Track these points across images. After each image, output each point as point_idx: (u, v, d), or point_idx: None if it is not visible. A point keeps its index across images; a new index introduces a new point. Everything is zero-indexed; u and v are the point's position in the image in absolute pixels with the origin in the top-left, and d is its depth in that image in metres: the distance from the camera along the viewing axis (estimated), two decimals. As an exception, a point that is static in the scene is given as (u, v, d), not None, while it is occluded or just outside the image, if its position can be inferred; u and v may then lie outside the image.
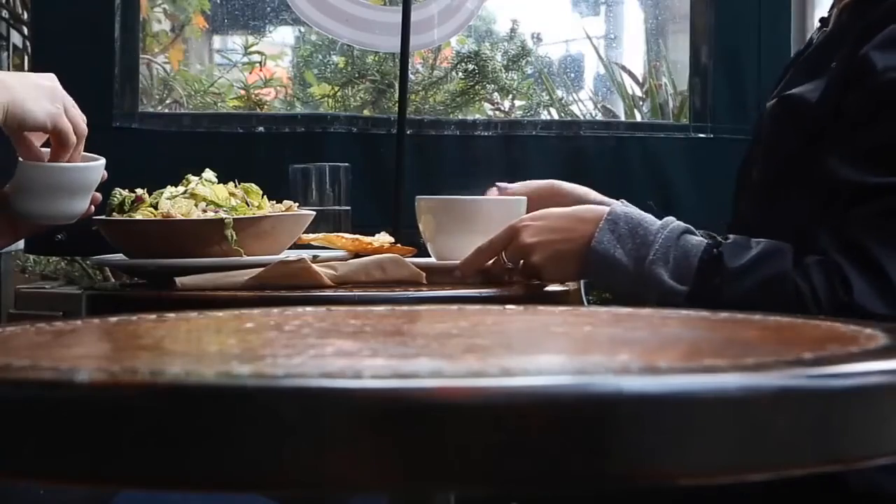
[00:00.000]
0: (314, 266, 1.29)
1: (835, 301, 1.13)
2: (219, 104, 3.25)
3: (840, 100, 1.16)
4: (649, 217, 1.23)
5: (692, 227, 1.22)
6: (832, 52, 1.21)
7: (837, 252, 1.14)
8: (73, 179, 1.27)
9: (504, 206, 1.41)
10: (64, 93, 1.22)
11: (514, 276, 1.32)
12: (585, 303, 1.64)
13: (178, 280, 1.29)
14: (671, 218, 1.23)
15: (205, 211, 1.38)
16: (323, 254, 1.42)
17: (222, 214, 1.36)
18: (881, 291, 1.12)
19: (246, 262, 1.33)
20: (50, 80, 1.22)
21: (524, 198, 1.41)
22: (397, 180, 2.02)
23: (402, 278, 1.33)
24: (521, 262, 1.28)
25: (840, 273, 1.14)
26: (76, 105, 1.24)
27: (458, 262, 1.33)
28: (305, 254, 1.38)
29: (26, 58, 3.21)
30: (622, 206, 1.26)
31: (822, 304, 1.14)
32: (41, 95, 1.19)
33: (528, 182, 1.47)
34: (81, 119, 1.24)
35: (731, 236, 1.19)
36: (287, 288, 1.27)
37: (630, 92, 3.07)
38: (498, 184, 1.45)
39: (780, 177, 1.23)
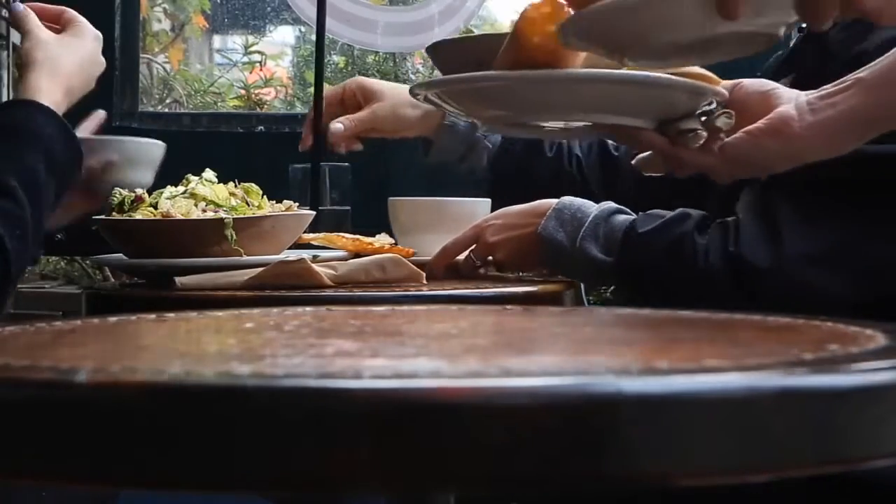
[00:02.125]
0: (314, 266, 1.29)
1: (723, 252, 1.17)
2: (219, 104, 3.25)
3: None
4: (591, 203, 1.30)
5: (626, 209, 1.29)
6: (817, 61, 1.21)
7: (744, 211, 1.16)
8: (156, 153, 1.49)
9: (468, 207, 1.51)
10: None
11: (486, 272, 1.40)
12: (585, 303, 1.65)
13: (178, 280, 1.29)
14: (609, 202, 1.30)
15: (204, 211, 1.38)
16: (323, 254, 1.42)
17: (222, 214, 1.36)
18: (767, 242, 1.14)
19: (246, 262, 1.33)
20: (93, 53, 1.35)
21: (488, 200, 1.52)
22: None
23: (401, 278, 1.33)
24: (489, 258, 1.38)
25: (735, 226, 1.17)
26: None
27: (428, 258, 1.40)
28: (305, 254, 1.38)
29: (26, 57, 3.20)
30: (572, 197, 1.33)
31: (709, 257, 1.17)
32: (92, 69, 1.34)
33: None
34: None
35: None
36: (287, 288, 1.27)
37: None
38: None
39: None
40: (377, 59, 3.12)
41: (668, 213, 1.23)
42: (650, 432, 0.42)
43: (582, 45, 1.00)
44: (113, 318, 0.77)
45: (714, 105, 1.09)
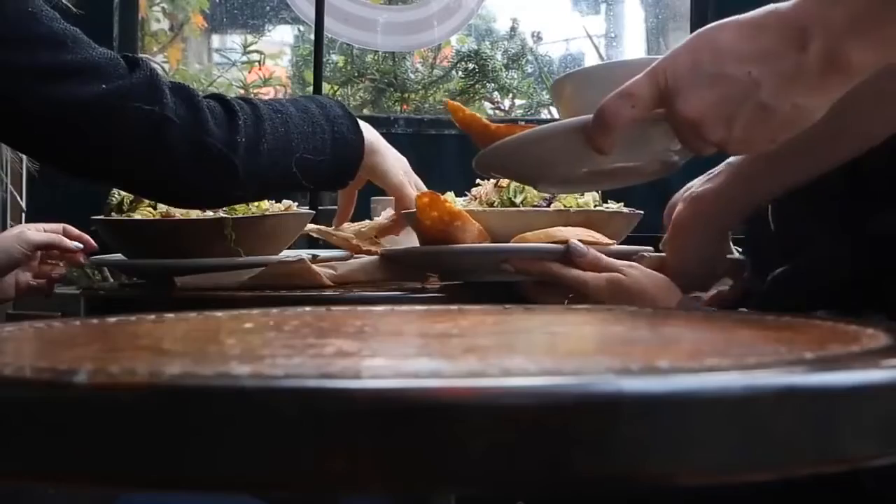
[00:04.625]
0: (314, 266, 1.29)
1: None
2: (218, 103, 3.24)
3: None
4: None
5: None
6: None
7: None
8: None
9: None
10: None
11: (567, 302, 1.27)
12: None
13: (178, 280, 1.29)
14: None
15: (204, 211, 1.38)
16: (323, 253, 1.42)
17: (222, 214, 1.36)
18: None
19: (245, 262, 1.33)
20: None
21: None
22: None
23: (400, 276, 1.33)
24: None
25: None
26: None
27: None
28: (305, 254, 1.38)
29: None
30: (692, 299, 1.22)
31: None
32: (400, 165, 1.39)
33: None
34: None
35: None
36: (287, 288, 1.27)
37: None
38: (642, 253, 1.35)
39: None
40: (376, 58, 3.12)
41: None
42: (651, 432, 0.42)
43: (498, 175, 1.13)
44: (112, 319, 0.77)
45: None
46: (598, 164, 0.89)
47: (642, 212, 1.39)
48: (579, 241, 1.21)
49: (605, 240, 1.27)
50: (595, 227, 1.28)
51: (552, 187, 1.07)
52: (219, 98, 1.22)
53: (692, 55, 0.80)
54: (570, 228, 1.24)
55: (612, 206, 1.36)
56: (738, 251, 1.43)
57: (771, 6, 0.78)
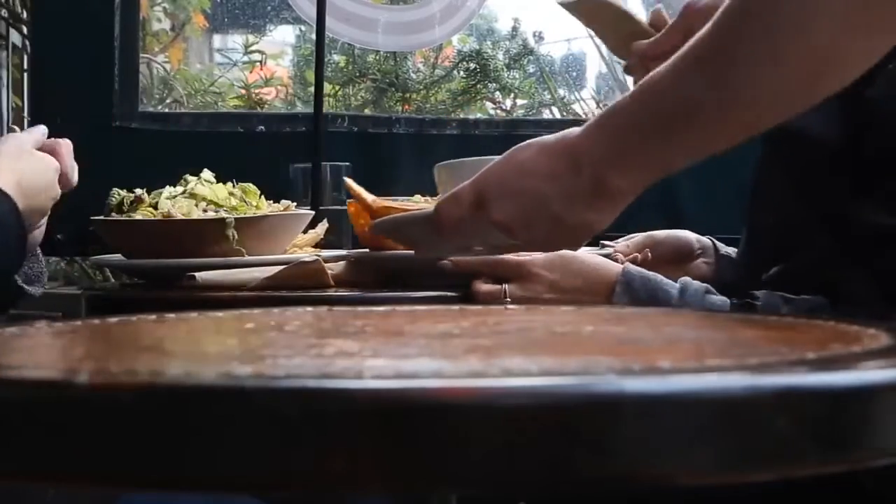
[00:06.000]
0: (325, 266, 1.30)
1: None
2: (219, 104, 3.25)
3: (849, 141, 1.13)
4: (663, 279, 1.23)
5: (710, 287, 1.21)
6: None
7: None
8: None
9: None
10: (55, 166, 1.18)
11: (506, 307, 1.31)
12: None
13: (198, 275, 1.30)
14: (687, 279, 1.23)
15: (205, 210, 1.38)
16: (324, 253, 1.43)
17: (223, 214, 1.36)
18: None
19: (247, 261, 1.33)
20: (45, 171, 1.17)
21: None
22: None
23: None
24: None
25: None
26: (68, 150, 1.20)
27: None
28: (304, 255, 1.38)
29: (26, 57, 3.20)
30: (635, 268, 1.26)
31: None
32: (42, 194, 1.16)
33: (631, 236, 1.51)
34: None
35: (759, 294, 1.13)
36: (289, 288, 1.27)
37: (632, 91, 3.06)
38: (603, 242, 1.46)
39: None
40: (377, 58, 3.12)
41: (788, 303, 1.09)
42: (652, 432, 0.42)
43: (390, 240, 1.27)
44: (113, 319, 0.77)
45: None
46: (452, 246, 1.06)
47: None
48: None
49: None
50: None
51: (426, 255, 1.22)
52: None
53: (502, 171, 0.95)
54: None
55: None
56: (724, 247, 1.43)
57: (566, 132, 0.91)
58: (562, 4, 1.22)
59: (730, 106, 0.81)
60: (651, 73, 0.85)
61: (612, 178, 0.88)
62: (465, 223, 0.97)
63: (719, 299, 1.18)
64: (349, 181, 1.40)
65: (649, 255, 1.43)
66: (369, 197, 1.34)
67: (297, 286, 1.27)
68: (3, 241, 1.09)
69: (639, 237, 1.50)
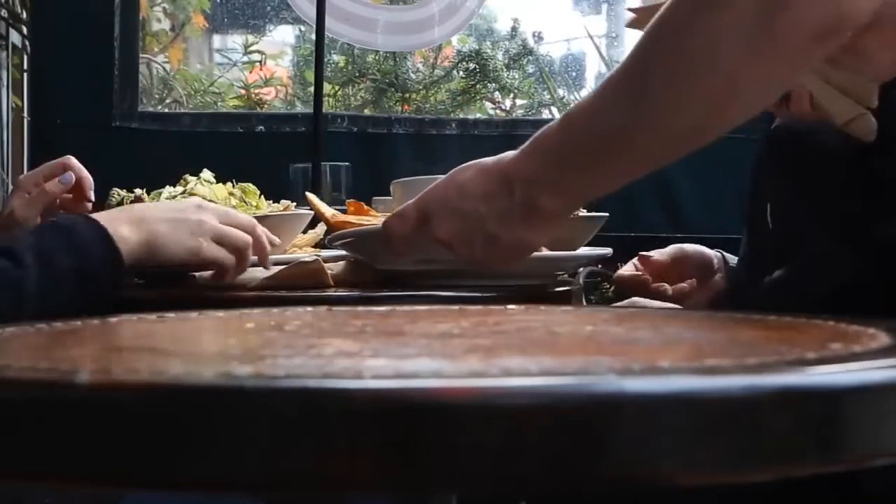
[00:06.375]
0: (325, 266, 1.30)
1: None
2: (219, 104, 3.25)
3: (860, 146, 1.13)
4: None
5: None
6: None
7: None
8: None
9: None
10: (213, 224, 1.21)
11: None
12: (584, 302, 1.65)
13: (198, 275, 1.30)
14: None
15: (205, 210, 1.38)
16: (324, 253, 1.43)
17: (223, 214, 1.36)
18: None
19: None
20: (197, 213, 1.21)
21: None
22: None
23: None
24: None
25: None
26: (240, 221, 1.24)
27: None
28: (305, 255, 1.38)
29: (26, 57, 3.20)
30: None
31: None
32: (181, 229, 1.19)
33: (664, 249, 1.52)
34: (242, 238, 1.23)
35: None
36: (288, 288, 1.27)
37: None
38: (641, 253, 1.48)
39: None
40: (377, 58, 3.12)
41: None
42: (652, 432, 0.42)
43: (350, 254, 1.33)
44: (113, 318, 0.77)
45: None
46: (402, 260, 1.13)
47: (606, 214, 1.37)
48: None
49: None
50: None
51: (382, 267, 1.28)
52: None
53: (444, 191, 0.99)
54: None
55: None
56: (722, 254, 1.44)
57: (503, 154, 0.95)
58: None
59: (650, 132, 0.84)
60: (579, 100, 0.89)
61: (543, 199, 0.91)
62: (411, 239, 1.02)
63: None
64: (310, 195, 1.42)
65: (695, 283, 1.44)
66: (328, 211, 1.38)
67: (297, 286, 1.27)
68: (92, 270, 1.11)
69: (670, 249, 1.51)
